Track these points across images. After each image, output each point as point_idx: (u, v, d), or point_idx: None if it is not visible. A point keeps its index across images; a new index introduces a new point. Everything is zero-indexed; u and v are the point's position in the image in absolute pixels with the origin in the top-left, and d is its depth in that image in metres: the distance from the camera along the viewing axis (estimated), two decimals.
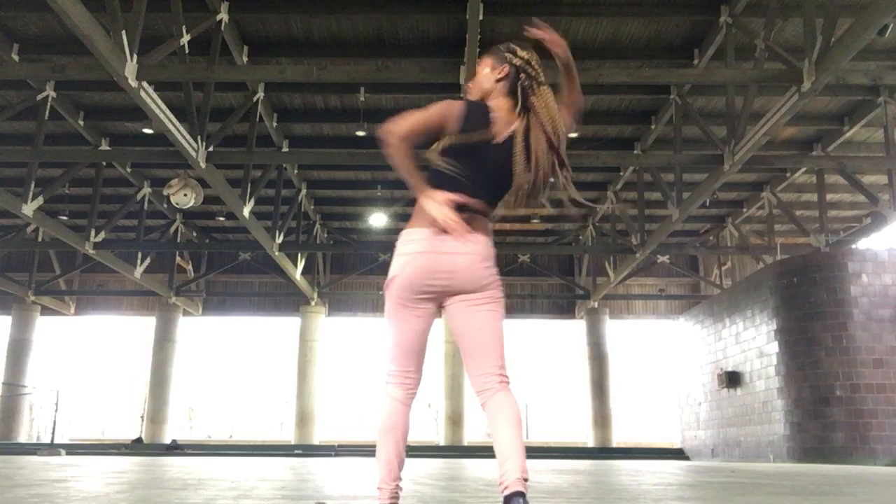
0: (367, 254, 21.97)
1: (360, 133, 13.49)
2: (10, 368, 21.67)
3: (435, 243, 2.26)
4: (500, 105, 2.38)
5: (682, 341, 20.05)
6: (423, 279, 2.28)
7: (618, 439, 22.38)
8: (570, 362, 24.16)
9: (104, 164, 15.81)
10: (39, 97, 12.63)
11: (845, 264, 13.99)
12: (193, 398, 24.29)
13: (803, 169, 15.84)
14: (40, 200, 13.65)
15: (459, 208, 2.23)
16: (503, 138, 2.32)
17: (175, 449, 19.64)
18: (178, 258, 21.55)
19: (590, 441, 22.17)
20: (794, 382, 14.08)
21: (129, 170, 16.44)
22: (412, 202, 2.36)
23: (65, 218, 16.95)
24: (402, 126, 2.24)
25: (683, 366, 19.88)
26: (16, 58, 11.27)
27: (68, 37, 10.60)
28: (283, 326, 23.77)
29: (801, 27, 9.66)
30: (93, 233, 15.95)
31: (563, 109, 2.38)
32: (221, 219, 18.71)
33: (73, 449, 18.48)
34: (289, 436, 22.57)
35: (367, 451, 19.11)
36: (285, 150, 14.78)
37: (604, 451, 21.06)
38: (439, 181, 2.29)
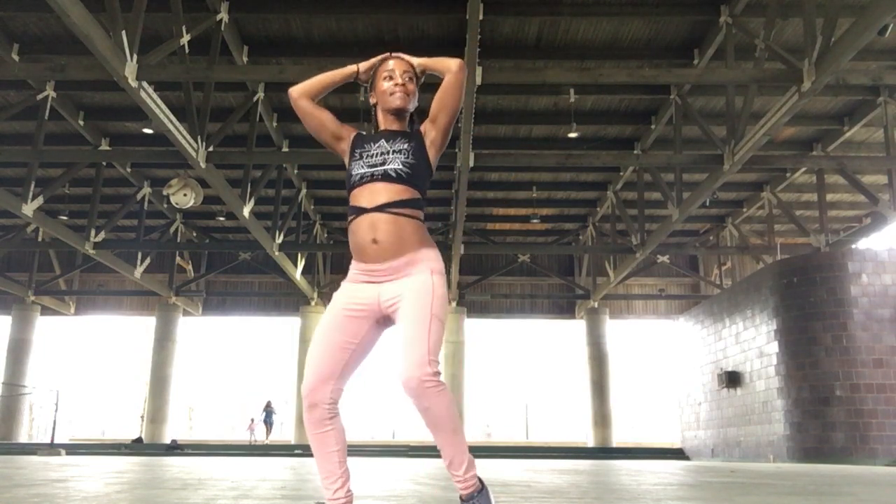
0: None
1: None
2: (10, 368, 21.69)
3: None
4: None
5: (682, 341, 20.04)
6: None
7: (618, 439, 22.39)
8: (570, 362, 24.19)
9: (104, 164, 15.81)
10: (39, 97, 12.62)
11: (845, 264, 13.99)
12: (194, 398, 24.30)
13: (803, 169, 15.83)
14: (40, 200, 13.65)
15: None
16: None
17: (175, 449, 19.65)
18: (178, 258, 21.56)
19: (590, 441, 22.17)
20: (794, 382, 14.08)
21: (129, 170, 16.44)
22: None
23: (65, 218, 16.94)
24: None
25: (683, 366, 19.87)
26: (16, 58, 11.27)
27: (68, 37, 10.63)
28: (283, 326, 23.79)
29: (801, 27, 9.65)
30: (93, 233, 15.95)
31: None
32: (221, 219, 18.71)
33: (73, 449, 18.47)
34: (289, 436, 22.60)
35: (368, 451, 19.08)
36: (285, 150, 14.77)
37: (604, 451, 21.05)
38: None
